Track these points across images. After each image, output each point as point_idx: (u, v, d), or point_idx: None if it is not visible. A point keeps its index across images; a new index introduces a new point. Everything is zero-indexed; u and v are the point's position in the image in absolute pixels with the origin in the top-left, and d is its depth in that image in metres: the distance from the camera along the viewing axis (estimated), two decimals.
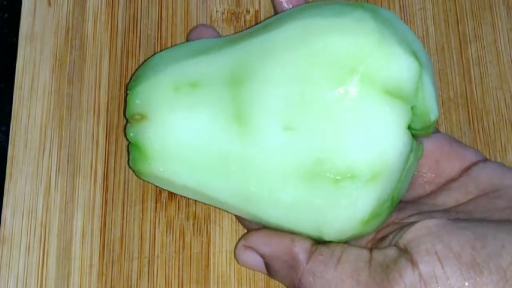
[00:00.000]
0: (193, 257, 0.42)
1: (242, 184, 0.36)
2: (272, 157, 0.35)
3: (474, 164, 0.38)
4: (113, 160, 0.44)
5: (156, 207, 0.43)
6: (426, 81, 0.35)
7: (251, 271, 0.42)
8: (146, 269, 0.42)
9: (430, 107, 0.36)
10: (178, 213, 0.43)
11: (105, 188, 0.44)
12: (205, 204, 0.43)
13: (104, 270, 0.42)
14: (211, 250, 0.42)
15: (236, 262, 0.41)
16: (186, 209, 0.43)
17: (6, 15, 0.49)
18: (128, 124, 0.39)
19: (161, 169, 0.38)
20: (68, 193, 0.44)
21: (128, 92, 0.39)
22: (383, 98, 0.33)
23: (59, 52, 0.47)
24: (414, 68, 0.34)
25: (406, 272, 0.33)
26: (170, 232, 0.43)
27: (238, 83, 0.35)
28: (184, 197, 0.43)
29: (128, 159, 0.40)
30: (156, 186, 0.43)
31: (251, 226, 0.40)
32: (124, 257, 0.42)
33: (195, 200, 0.43)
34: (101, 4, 0.48)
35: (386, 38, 0.34)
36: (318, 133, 0.34)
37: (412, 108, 0.35)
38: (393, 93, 0.33)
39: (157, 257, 0.42)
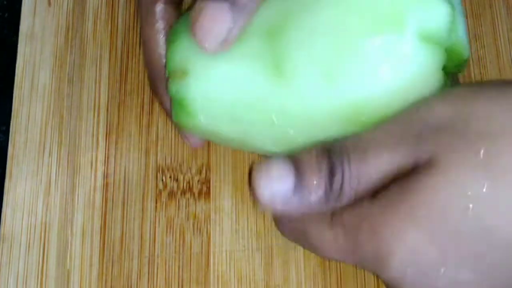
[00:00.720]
0: (193, 257, 0.42)
1: (282, 130, 0.37)
2: (311, 104, 0.36)
3: None
4: (113, 159, 0.45)
5: (156, 207, 0.43)
6: (458, 21, 0.36)
7: (251, 271, 0.42)
8: (146, 268, 0.42)
9: (463, 46, 0.37)
10: (178, 213, 0.43)
11: (105, 188, 0.44)
12: (205, 203, 0.43)
13: (104, 270, 0.42)
14: (211, 250, 0.42)
15: (236, 262, 0.41)
16: (186, 209, 0.43)
17: (6, 14, 0.49)
18: (169, 80, 0.39)
19: (204, 122, 0.38)
20: (68, 193, 0.44)
21: (167, 46, 0.39)
22: (419, 45, 0.34)
23: (59, 51, 0.47)
24: (448, 14, 0.35)
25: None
26: (170, 232, 0.43)
27: (276, 33, 0.36)
28: (184, 197, 0.43)
29: (171, 113, 0.40)
30: (156, 186, 0.43)
31: None
32: (124, 257, 0.42)
33: (195, 200, 0.43)
34: (101, 4, 0.48)
35: None
36: (356, 80, 0.35)
37: (446, 49, 0.36)
38: (429, 39, 0.35)
39: (157, 257, 0.42)
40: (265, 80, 0.36)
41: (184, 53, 0.38)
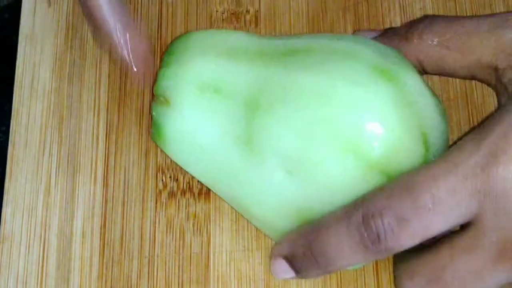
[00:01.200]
0: (193, 257, 0.42)
1: (241, 199, 0.38)
2: (269, 190, 0.36)
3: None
4: (113, 159, 0.44)
5: (156, 207, 0.43)
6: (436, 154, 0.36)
7: (251, 271, 0.42)
8: (146, 269, 0.42)
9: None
10: (178, 213, 0.43)
11: (105, 188, 0.44)
12: (205, 203, 0.43)
13: (104, 270, 0.42)
14: (211, 250, 0.42)
15: (236, 262, 0.41)
16: (186, 209, 0.43)
17: (6, 15, 0.49)
18: (154, 100, 0.39)
19: (172, 153, 0.39)
20: (68, 193, 0.44)
21: (161, 66, 0.39)
22: (378, 176, 0.34)
23: (59, 52, 0.47)
24: (418, 156, 0.35)
25: None
26: (170, 232, 0.43)
27: (255, 109, 0.36)
28: (184, 197, 0.43)
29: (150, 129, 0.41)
30: (156, 186, 0.43)
31: None
32: (124, 257, 0.42)
33: (195, 200, 0.43)
34: None
35: (395, 123, 0.34)
36: (314, 188, 0.35)
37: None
38: (391, 171, 0.34)
39: (157, 257, 0.42)
40: (234, 148, 0.36)
41: (171, 83, 0.38)
